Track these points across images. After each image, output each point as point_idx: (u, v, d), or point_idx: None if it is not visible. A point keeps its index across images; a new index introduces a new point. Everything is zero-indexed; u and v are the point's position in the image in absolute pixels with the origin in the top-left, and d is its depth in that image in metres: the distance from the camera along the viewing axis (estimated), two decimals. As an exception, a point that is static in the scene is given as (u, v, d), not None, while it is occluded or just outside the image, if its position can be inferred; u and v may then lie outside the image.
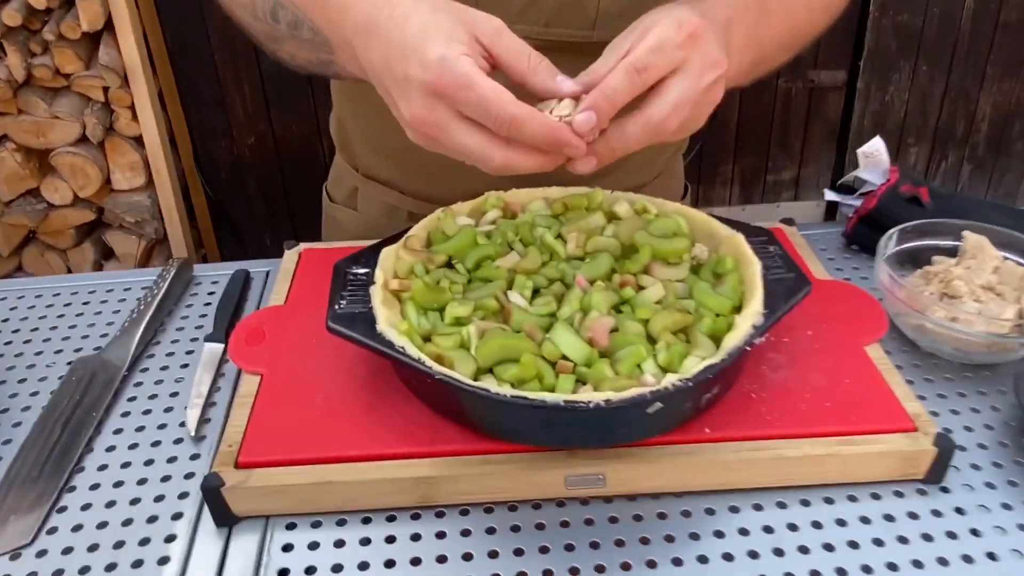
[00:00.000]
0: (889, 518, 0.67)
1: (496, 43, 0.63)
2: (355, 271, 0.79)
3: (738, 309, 0.74)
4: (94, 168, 2.35)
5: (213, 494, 0.66)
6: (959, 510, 0.68)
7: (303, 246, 0.97)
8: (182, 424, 0.77)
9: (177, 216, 2.56)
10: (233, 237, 2.92)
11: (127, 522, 0.68)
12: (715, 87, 0.65)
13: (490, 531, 0.67)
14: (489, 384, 0.66)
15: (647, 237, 0.81)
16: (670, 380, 0.64)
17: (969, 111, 3.06)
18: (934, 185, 1.00)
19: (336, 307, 0.73)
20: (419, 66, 0.61)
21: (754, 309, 0.71)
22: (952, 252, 0.89)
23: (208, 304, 0.93)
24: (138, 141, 2.40)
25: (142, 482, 0.71)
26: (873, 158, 1.01)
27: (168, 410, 0.79)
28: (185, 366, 0.84)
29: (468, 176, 0.78)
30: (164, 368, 0.84)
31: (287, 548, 0.66)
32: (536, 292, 0.77)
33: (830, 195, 1.06)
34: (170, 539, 0.66)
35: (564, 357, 0.68)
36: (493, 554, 0.65)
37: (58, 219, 2.40)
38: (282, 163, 2.81)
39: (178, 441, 0.75)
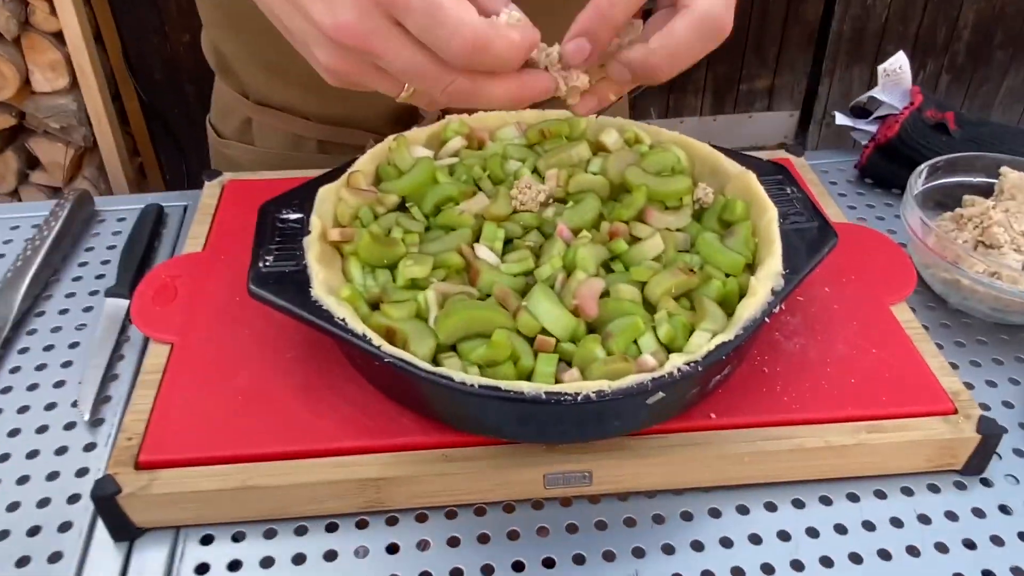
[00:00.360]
0: (924, 519, 0.57)
1: None
2: (286, 216, 0.64)
3: (750, 266, 0.62)
4: (10, 67, 2.14)
5: (107, 503, 0.53)
6: (1004, 508, 0.58)
7: (227, 177, 0.82)
8: (75, 404, 0.63)
9: (107, 121, 2.35)
10: (172, 145, 2.70)
11: (0, 535, 0.55)
12: None
13: (452, 542, 0.55)
14: (452, 369, 0.53)
15: (641, 175, 0.67)
16: (675, 363, 0.52)
17: (951, 17, 2.93)
18: (960, 111, 0.87)
19: (260, 264, 0.59)
20: None
21: (772, 269, 0.58)
22: (986, 191, 0.77)
23: (112, 248, 0.78)
24: (58, 38, 2.18)
25: (22, 481, 0.58)
26: (894, 77, 0.88)
27: (59, 384, 0.65)
28: (82, 327, 0.70)
29: None
30: (56, 330, 0.69)
31: (202, 569, 0.53)
32: (509, 243, 0.64)
33: (842, 119, 0.92)
34: (55, 558, 0.53)
35: (544, 331, 0.55)
36: (456, 572, 0.53)
37: (-25, 124, 2.20)
38: (221, 64, 2.57)
39: (70, 426, 0.62)
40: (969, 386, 0.66)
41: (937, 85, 3.08)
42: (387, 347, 0.52)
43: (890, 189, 0.88)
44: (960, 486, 0.59)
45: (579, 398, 0.50)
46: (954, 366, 0.68)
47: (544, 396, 0.50)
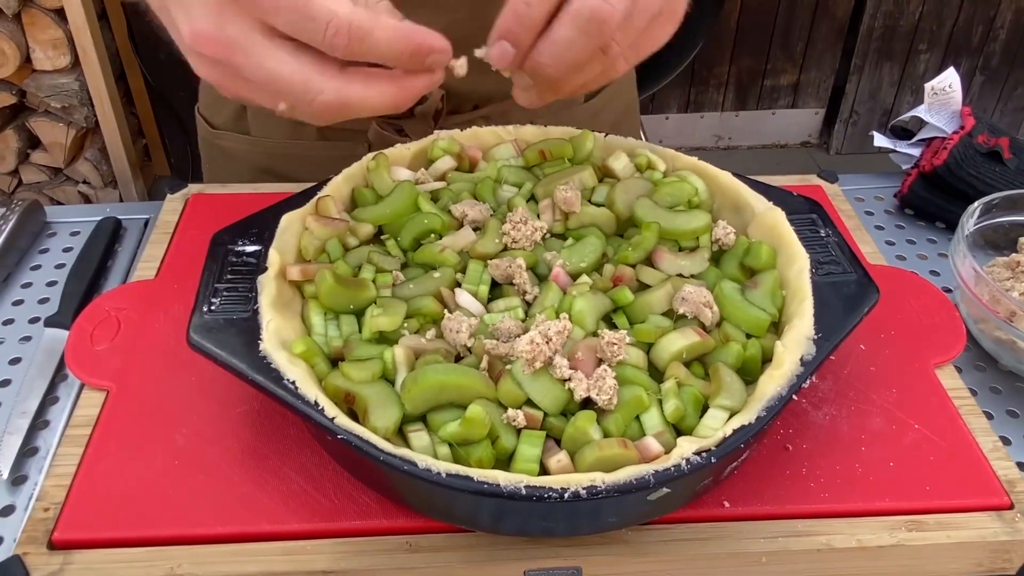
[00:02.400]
0: (972, 640, 0.48)
1: None
2: (241, 249, 0.56)
3: (776, 323, 0.53)
4: (10, 44, 2.09)
5: (12, 590, 0.46)
6: (1067, 627, 0.49)
7: (192, 189, 0.73)
8: (-4, 456, 0.55)
9: (109, 101, 2.28)
10: (177, 127, 2.63)
11: None
12: None
13: (415, 647, 0.47)
14: (419, 445, 0.45)
15: (652, 209, 0.58)
16: (684, 452, 0.43)
17: (988, 17, 2.81)
18: (1016, 136, 0.77)
19: (205, 308, 0.51)
20: None
21: (802, 332, 0.50)
22: (1046, 233, 0.68)
23: (61, 267, 0.70)
24: (60, 15, 2.12)
25: (-75, 551, 0.50)
26: (943, 96, 0.78)
27: (-19, 431, 0.57)
28: (16, 361, 0.62)
29: None
30: (-13, 364, 0.62)
31: (118, 673, 0.45)
32: (496, 285, 0.55)
33: (881, 140, 0.83)
34: (-51, 653, 0.46)
35: (530, 402, 0.47)
36: None
37: (-27, 101, 2.14)
38: (228, 45, 2.49)
39: (-13, 483, 0.54)
40: (1022, 467, 0.57)
41: (970, 86, 2.96)
42: (341, 420, 0.44)
43: (934, 222, 0.79)
44: (1014, 596, 0.51)
45: (566, 495, 0.41)
46: (1006, 441, 0.59)
47: (524, 491, 0.42)
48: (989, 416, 0.60)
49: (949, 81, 0.78)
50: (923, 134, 0.81)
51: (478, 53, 0.48)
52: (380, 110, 0.45)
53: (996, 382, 0.64)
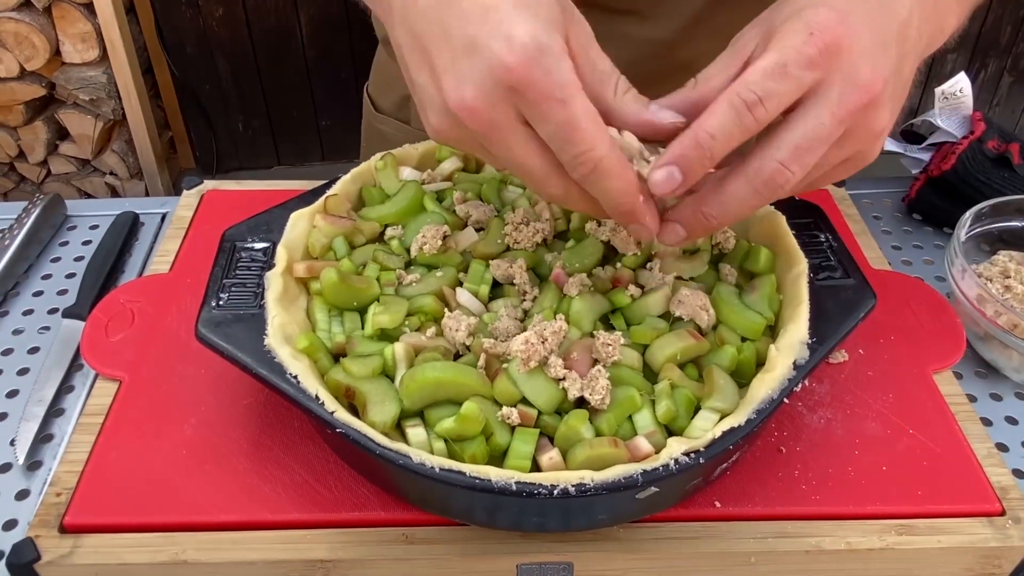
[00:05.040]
0: (959, 643, 0.49)
1: (584, 52, 0.45)
2: (250, 246, 0.57)
3: (772, 326, 0.54)
4: (41, 38, 2.13)
5: (25, 572, 0.47)
6: (1055, 634, 0.50)
7: (207, 185, 0.75)
8: (13, 442, 0.57)
9: (136, 94, 2.32)
10: (203, 120, 2.66)
11: (-88, 596, 0.49)
12: (864, 119, 0.44)
13: (409, 636, 0.48)
14: (416, 439, 0.46)
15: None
16: (673, 452, 0.44)
17: (1018, 17, 2.77)
18: (1028, 141, 0.77)
19: (213, 303, 0.52)
20: (503, 40, 0.41)
21: (796, 337, 0.50)
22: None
23: (80, 259, 0.72)
24: (89, 9, 2.15)
25: (-56, 531, 0.52)
26: (953, 101, 0.78)
27: (0, 418, 0.59)
28: (35, 351, 0.64)
29: None
30: (7, 352, 0.64)
31: (124, 653, 0.47)
32: (497, 284, 0.57)
33: (890, 144, 0.83)
34: (-35, 629, 0.48)
35: (525, 400, 0.48)
36: (410, 674, 0.47)
37: (5, 93, 2.17)
38: (254, 38, 2.51)
39: (4, 468, 0.56)
40: (1020, 474, 0.57)
41: (998, 87, 2.92)
42: (340, 414, 0.46)
43: (942, 228, 0.79)
44: (1003, 602, 0.51)
45: (555, 491, 0.42)
46: (1002, 448, 0.59)
47: (514, 487, 0.43)
48: (988, 423, 0.60)
49: (960, 85, 0.78)
50: (933, 139, 0.81)
51: (642, 170, 0.45)
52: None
53: (997, 389, 0.64)
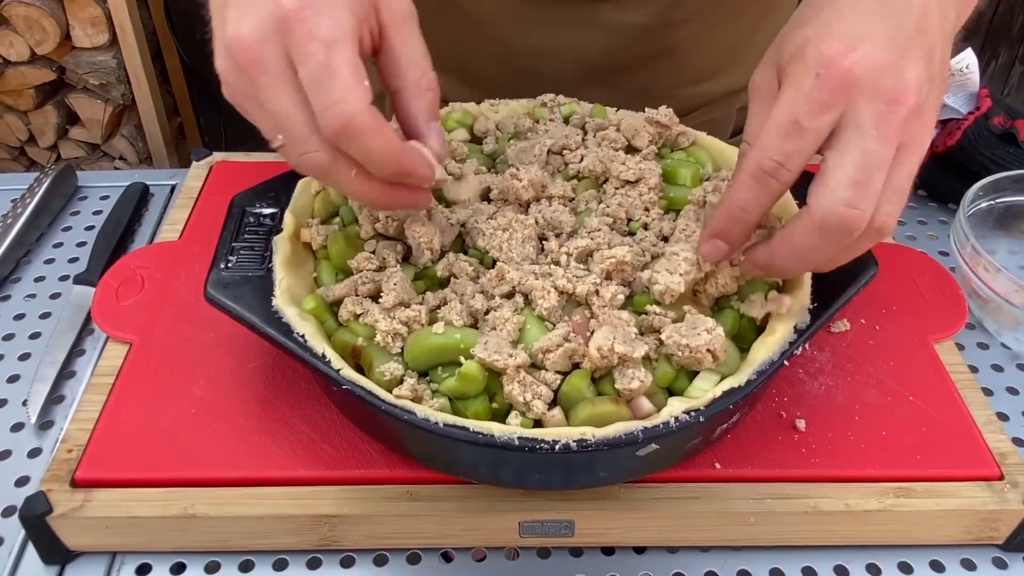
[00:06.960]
0: (955, 603, 0.50)
1: (397, 31, 0.45)
2: (259, 211, 0.58)
3: (775, 287, 0.54)
4: (51, 22, 2.14)
5: (37, 524, 0.48)
6: (1051, 595, 0.50)
7: (216, 157, 0.76)
8: (25, 403, 0.58)
9: (145, 79, 2.33)
10: (212, 106, 2.67)
11: (-72, 548, 0.50)
12: (908, 127, 0.41)
13: (413, 590, 0.49)
14: (417, 403, 0.47)
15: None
16: (673, 410, 0.45)
17: (1031, 4, 2.74)
18: (1034, 118, 0.77)
19: (222, 265, 0.53)
20: None
21: (798, 302, 0.51)
22: (1056, 214, 0.68)
23: (90, 229, 0.73)
24: (100, -7, 2.17)
25: (-41, 487, 0.54)
26: (960, 77, 0.78)
27: (13, 379, 0.60)
28: (46, 315, 0.65)
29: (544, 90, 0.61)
30: (19, 317, 0.65)
31: (135, 603, 0.48)
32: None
33: (896, 121, 0.83)
34: (-20, 579, 0.49)
35: (528, 361, 0.49)
36: (413, 627, 0.48)
37: (15, 77, 2.18)
38: (263, 25, 2.51)
39: (17, 427, 0.57)
40: (1019, 443, 0.58)
41: (1009, 77, 2.90)
42: (346, 371, 0.46)
43: (946, 204, 0.79)
44: (1001, 564, 0.52)
45: (557, 447, 0.43)
46: (1003, 417, 0.59)
47: (516, 442, 0.43)
48: (989, 392, 0.61)
49: (967, 62, 0.77)
50: (940, 115, 0.81)
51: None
52: (357, 199, 0.45)
53: (999, 360, 0.64)
